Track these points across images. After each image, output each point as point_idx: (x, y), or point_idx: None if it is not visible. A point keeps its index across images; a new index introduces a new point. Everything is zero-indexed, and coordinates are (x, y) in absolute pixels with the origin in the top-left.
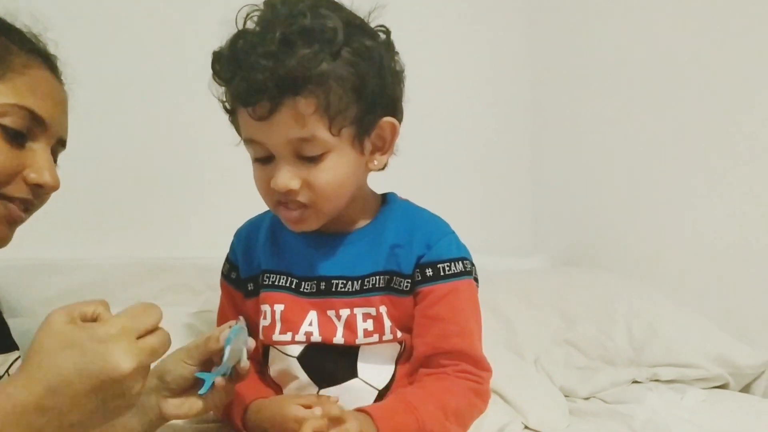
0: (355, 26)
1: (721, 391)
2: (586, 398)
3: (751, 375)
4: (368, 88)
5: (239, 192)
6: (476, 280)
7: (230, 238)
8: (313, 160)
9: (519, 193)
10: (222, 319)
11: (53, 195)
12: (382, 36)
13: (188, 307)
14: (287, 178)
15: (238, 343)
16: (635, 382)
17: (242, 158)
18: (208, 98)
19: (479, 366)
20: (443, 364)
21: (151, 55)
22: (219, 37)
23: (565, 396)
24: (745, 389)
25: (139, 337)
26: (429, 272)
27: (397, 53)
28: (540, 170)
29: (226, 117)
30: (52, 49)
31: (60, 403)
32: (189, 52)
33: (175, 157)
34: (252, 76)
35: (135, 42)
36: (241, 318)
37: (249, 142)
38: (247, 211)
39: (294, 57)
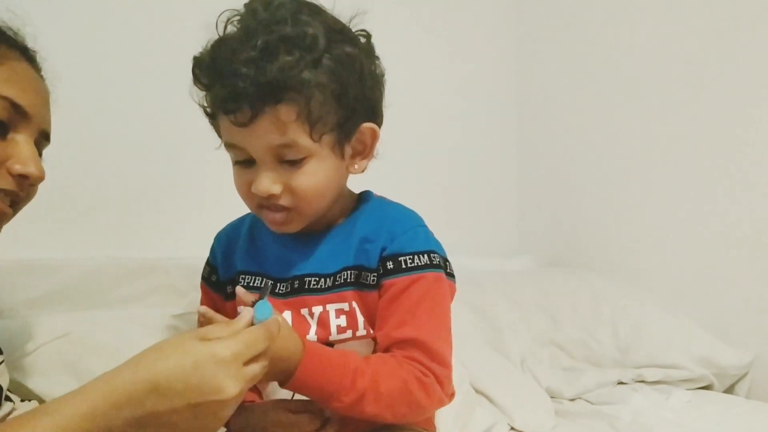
0: (336, 32)
1: (706, 392)
2: (572, 399)
3: (735, 376)
4: (349, 95)
5: (225, 193)
6: (451, 275)
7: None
8: (294, 164)
9: (505, 194)
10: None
11: (40, 195)
12: (363, 40)
13: (174, 308)
14: (268, 183)
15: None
16: (621, 383)
17: (228, 159)
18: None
19: (432, 357)
20: (394, 353)
21: (138, 57)
22: (206, 39)
23: (551, 397)
24: (729, 390)
25: (245, 363)
26: (390, 265)
27: (377, 57)
28: (525, 172)
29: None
30: (30, 44)
31: (157, 405)
32: (176, 54)
33: (161, 157)
34: (233, 84)
35: (121, 43)
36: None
37: (230, 146)
38: (233, 212)
39: (275, 65)
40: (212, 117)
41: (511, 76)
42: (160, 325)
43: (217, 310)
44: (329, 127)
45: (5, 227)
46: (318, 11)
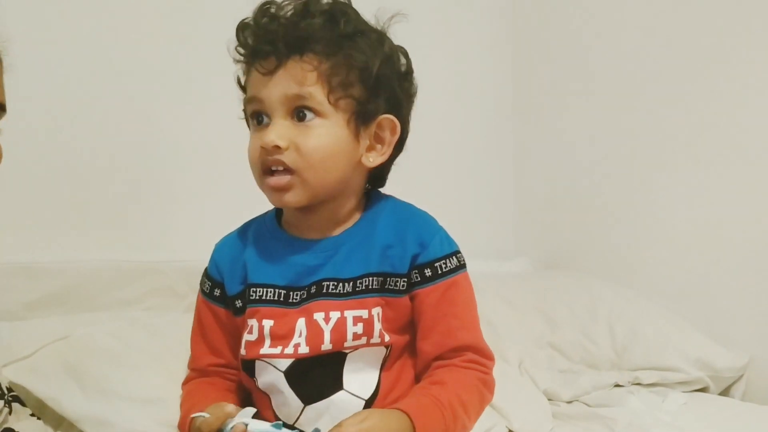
0: (371, 25)
1: (702, 395)
2: (569, 401)
3: (731, 378)
4: (374, 76)
5: (223, 194)
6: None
7: (214, 241)
8: (306, 123)
9: (501, 196)
10: (202, 340)
11: (38, 198)
12: (403, 59)
13: (172, 311)
14: (276, 135)
15: None
16: (617, 385)
17: (226, 160)
18: (193, 100)
19: (484, 355)
20: (450, 357)
21: (138, 57)
22: (209, 36)
23: (548, 399)
24: (725, 392)
25: None
26: (428, 272)
27: (414, 77)
28: (522, 174)
29: (212, 119)
30: None
31: None
32: (176, 55)
33: (159, 159)
34: (266, 30)
35: (121, 43)
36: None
37: (250, 101)
38: (232, 214)
39: (310, 23)
40: (244, 89)
41: (507, 77)
42: (160, 327)
43: (223, 327)
44: (349, 96)
45: (4, 230)
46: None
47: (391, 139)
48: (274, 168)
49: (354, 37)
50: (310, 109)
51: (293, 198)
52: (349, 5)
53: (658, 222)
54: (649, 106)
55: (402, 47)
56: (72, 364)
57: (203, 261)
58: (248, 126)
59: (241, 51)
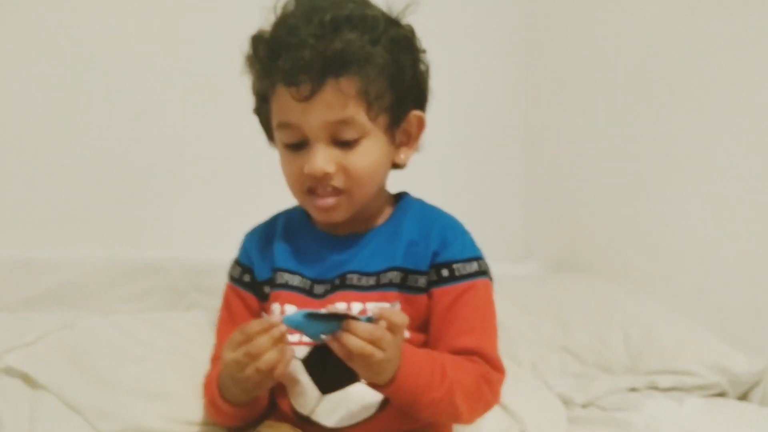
0: (391, 20)
1: (719, 399)
2: (584, 405)
3: (748, 383)
4: (402, 77)
5: (226, 191)
6: (491, 278)
7: (217, 238)
8: (348, 144)
9: (512, 198)
10: (232, 328)
11: (39, 192)
12: (421, 47)
13: (174, 308)
14: (323, 161)
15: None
16: (633, 389)
17: (230, 158)
18: (194, 96)
19: (491, 364)
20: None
21: (138, 52)
22: (207, 33)
23: (563, 403)
24: (743, 397)
25: None
26: (445, 273)
27: (424, 51)
28: (533, 175)
29: (216, 117)
30: None
31: None
32: (177, 50)
33: (161, 154)
34: (297, 56)
35: (121, 39)
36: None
37: (284, 126)
38: (234, 211)
39: (340, 40)
40: (263, 101)
41: (518, 79)
42: (164, 323)
43: (253, 312)
44: (384, 108)
45: (4, 224)
46: (370, 2)
47: (418, 133)
48: (320, 190)
49: (380, 41)
50: (353, 131)
51: (341, 215)
52: (363, 1)
53: (672, 225)
54: (664, 106)
55: (408, 24)
56: (76, 353)
57: (205, 259)
58: (267, 136)
59: (260, 66)
